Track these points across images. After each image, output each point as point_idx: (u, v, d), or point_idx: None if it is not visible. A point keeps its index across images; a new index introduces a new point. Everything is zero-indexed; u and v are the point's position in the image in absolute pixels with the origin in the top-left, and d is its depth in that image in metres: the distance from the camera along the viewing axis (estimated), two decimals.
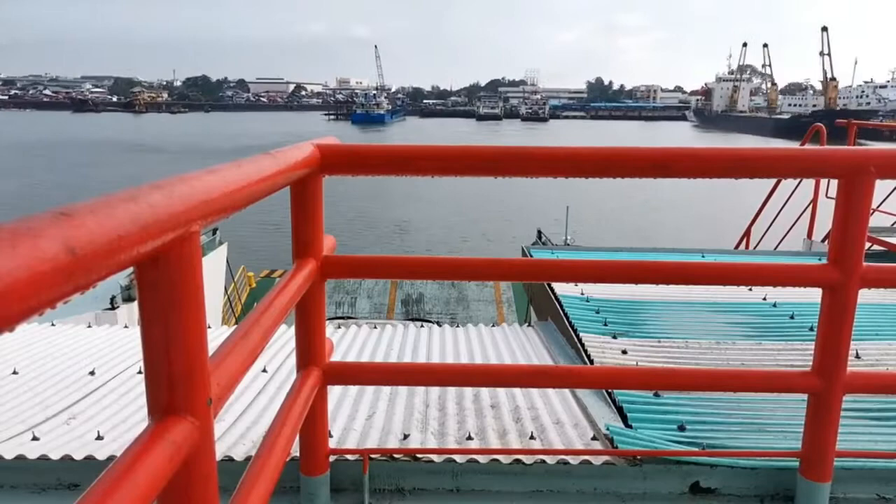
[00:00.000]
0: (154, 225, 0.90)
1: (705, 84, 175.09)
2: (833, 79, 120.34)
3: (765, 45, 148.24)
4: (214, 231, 11.72)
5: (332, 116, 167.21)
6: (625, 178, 2.05)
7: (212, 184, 1.15)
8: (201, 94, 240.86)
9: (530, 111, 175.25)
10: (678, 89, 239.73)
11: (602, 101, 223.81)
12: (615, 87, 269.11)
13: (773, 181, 7.87)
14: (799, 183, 7.81)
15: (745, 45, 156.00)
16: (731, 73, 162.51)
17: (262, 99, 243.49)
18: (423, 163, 2.11)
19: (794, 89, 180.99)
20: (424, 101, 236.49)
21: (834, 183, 2.16)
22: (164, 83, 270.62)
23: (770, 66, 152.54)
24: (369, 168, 2.15)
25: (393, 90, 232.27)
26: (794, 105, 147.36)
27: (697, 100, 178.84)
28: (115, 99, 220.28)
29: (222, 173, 1.24)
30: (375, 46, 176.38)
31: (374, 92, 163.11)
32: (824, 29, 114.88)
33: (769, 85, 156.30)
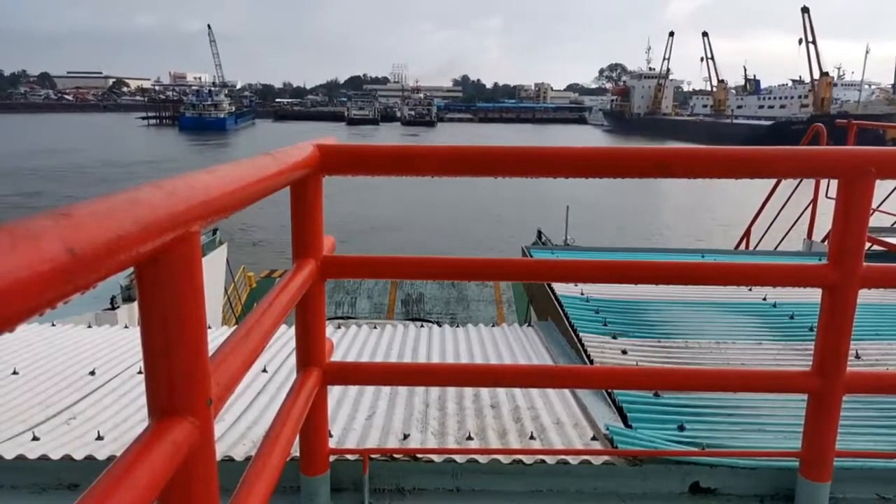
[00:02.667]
0: (154, 225, 0.90)
1: (623, 81, 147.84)
2: (826, 74, 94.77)
3: (704, 34, 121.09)
4: (214, 231, 11.73)
5: (152, 120, 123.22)
6: (625, 178, 2.05)
7: (212, 184, 1.15)
8: None
9: (414, 113, 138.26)
10: (543, 86, 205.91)
11: (480, 100, 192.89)
12: (479, 85, 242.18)
13: (773, 181, 7.87)
14: (799, 183, 7.81)
15: (671, 34, 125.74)
16: (652, 69, 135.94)
17: (66, 97, 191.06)
18: (423, 163, 2.11)
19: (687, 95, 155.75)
20: (277, 100, 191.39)
21: (834, 183, 2.16)
22: None
23: (713, 59, 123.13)
24: (369, 168, 2.15)
25: (238, 87, 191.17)
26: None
27: (612, 100, 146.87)
28: None
29: (222, 173, 1.24)
30: (209, 26, 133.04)
31: (211, 88, 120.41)
32: (805, 10, 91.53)
33: (715, 83, 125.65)
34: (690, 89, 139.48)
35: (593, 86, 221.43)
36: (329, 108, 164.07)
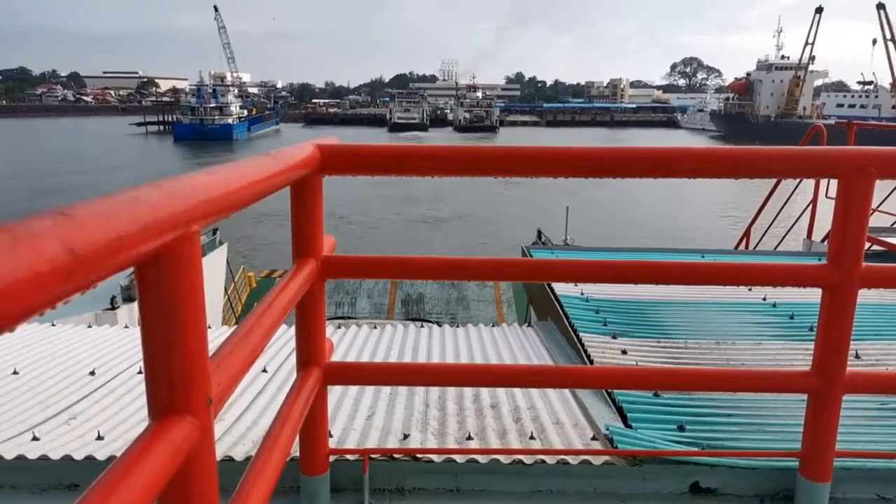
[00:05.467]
0: (154, 225, 0.90)
1: (746, 75, 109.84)
2: None
3: (880, 7, 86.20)
4: (214, 231, 11.74)
5: (148, 127, 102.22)
6: (625, 178, 2.05)
7: (212, 184, 1.15)
8: (2, 93, 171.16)
9: (471, 116, 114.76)
10: (619, 83, 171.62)
11: (540, 99, 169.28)
12: (538, 83, 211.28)
13: (773, 181, 7.87)
14: (799, 183, 7.81)
15: (819, 10, 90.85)
16: (784, 57, 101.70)
17: (84, 98, 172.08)
18: (423, 163, 2.11)
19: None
20: (314, 100, 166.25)
21: (834, 183, 2.16)
22: None
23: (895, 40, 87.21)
24: (369, 168, 2.15)
25: (279, 86, 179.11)
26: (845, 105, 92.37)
27: (727, 98, 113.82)
28: None
29: (222, 173, 1.24)
30: (215, 7, 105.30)
31: (215, 87, 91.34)
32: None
33: None
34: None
35: (663, 83, 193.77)
36: (370, 109, 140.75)
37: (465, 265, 2.36)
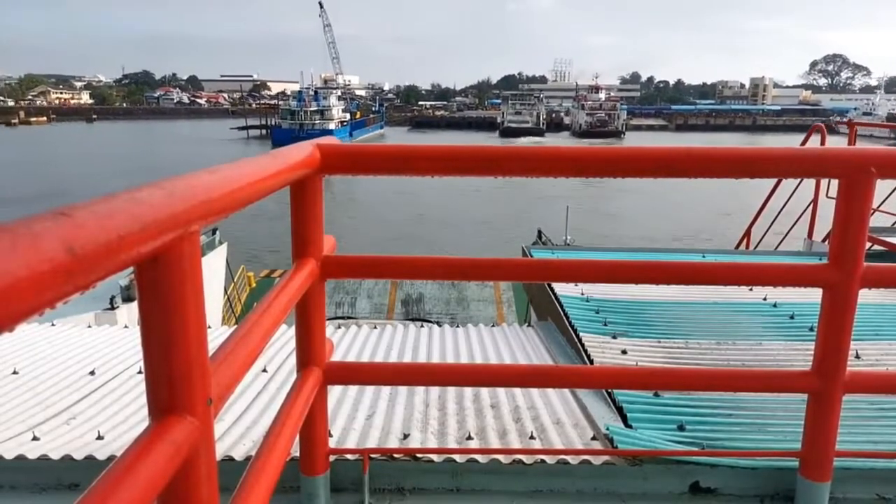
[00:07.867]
0: (154, 225, 0.90)
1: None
2: None
3: None
4: (214, 231, 11.72)
5: (250, 131, 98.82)
6: (626, 178, 2.05)
7: (212, 184, 1.15)
8: (123, 96, 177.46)
9: (593, 120, 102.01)
10: (761, 82, 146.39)
11: (663, 101, 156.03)
12: (659, 83, 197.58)
13: (773, 181, 7.87)
14: (799, 183, 7.81)
15: None
16: None
17: (197, 101, 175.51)
18: (423, 163, 2.11)
19: None
20: (420, 102, 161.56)
21: (834, 183, 2.16)
22: (109, 83, 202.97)
23: None
24: (369, 168, 2.15)
25: (386, 89, 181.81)
26: None
27: None
28: None
29: (222, 173, 1.24)
30: (320, 4, 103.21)
31: (316, 89, 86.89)
32: None
33: None
34: None
35: (800, 82, 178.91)
36: (478, 112, 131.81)
37: (465, 265, 2.36)
